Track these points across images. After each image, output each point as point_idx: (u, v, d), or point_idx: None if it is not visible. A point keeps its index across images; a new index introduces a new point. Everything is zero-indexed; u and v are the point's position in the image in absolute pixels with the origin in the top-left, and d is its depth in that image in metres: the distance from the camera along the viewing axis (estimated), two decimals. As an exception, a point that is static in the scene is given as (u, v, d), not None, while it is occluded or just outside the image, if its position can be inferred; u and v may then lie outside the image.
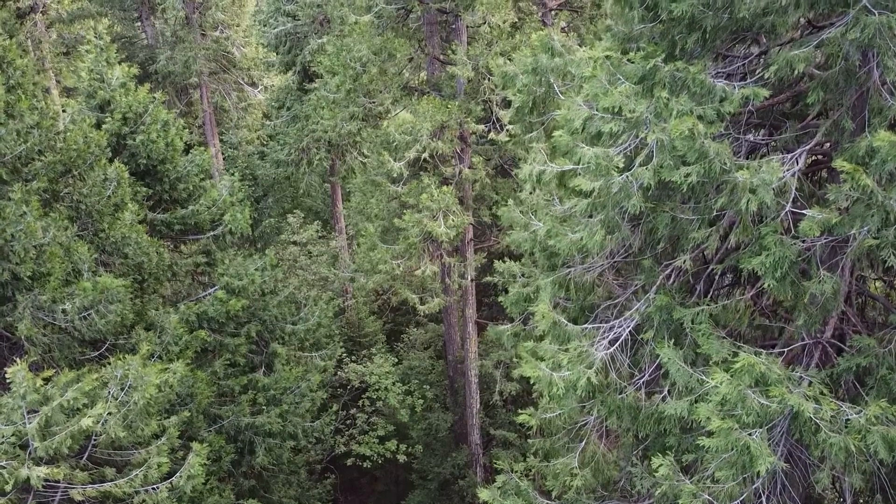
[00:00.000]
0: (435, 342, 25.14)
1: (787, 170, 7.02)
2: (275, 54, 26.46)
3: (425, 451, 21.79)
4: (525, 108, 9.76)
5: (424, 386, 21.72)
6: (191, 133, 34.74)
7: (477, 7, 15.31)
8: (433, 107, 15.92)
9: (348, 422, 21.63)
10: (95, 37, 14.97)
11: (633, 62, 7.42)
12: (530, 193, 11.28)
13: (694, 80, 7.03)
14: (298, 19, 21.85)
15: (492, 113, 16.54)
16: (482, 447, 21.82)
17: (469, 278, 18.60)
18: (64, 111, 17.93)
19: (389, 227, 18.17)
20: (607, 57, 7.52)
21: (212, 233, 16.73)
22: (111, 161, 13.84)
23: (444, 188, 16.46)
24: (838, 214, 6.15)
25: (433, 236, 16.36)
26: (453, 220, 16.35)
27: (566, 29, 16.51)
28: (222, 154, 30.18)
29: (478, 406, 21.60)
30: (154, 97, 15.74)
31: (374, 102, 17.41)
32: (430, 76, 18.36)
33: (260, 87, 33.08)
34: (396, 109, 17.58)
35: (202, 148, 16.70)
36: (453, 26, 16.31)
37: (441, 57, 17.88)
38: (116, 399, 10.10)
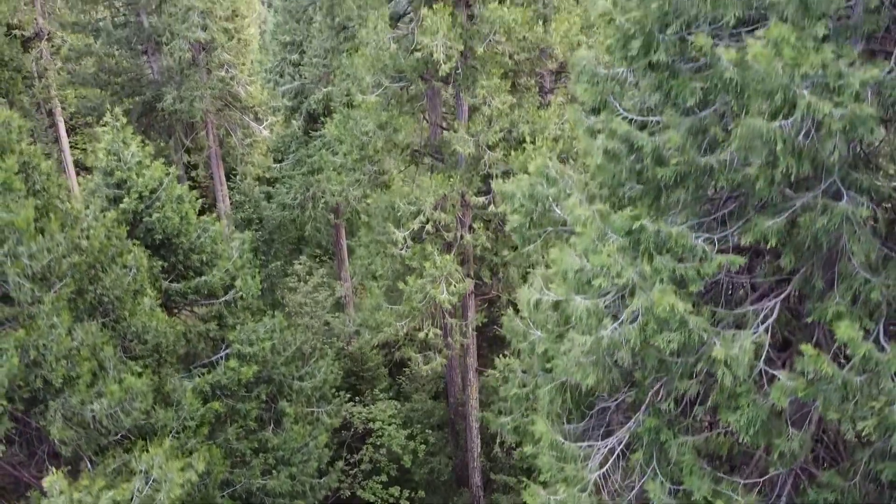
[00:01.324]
0: (437, 382, 25.86)
1: (761, 323, 7.72)
2: (281, 99, 27.14)
3: (427, 493, 22.52)
4: (523, 225, 10.44)
5: (427, 430, 22.43)
6: (196, 169, 35.50)
7: (478, 90, 16.01)
8: (436, 182, 16.62)
9: (352, 464, 22.36)
10: (112, 118, 15.66)
11: (622, 215, 8.12)
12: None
13: (676, 242, 7.73)
14: (305, 77, 22.52)
15: (492, 185, 17.19)
16: (483, 490, 22.54)
17: (470, 333, 19.31)
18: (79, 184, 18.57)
19: (393, 286, 18.86)
20: (598, 212, 8.21)
21: (224, 298, 17.42)
22: (128, 235, 14.60)
23: (447, 256, 17.17)
24: (805, 384, 6.85)
25: (436, 301, 17.06)
26: (455, 287, 17.06)
27: (563, 104, 17.19)
28: (230, 198, 30.86)
29: (478, 450, 22.32)
30: (168, 172, 16.45)
31: (380, 171, 18.12)
32: (432, 138, 19.06)
33: (265, 123, 33.79)
34: (402, 175, 18.25)
35: (213, 216, 17.35)
36: (455, 102, 17.00)
37: (443, 125, 18.58)
38: (142, 493, 10.84)
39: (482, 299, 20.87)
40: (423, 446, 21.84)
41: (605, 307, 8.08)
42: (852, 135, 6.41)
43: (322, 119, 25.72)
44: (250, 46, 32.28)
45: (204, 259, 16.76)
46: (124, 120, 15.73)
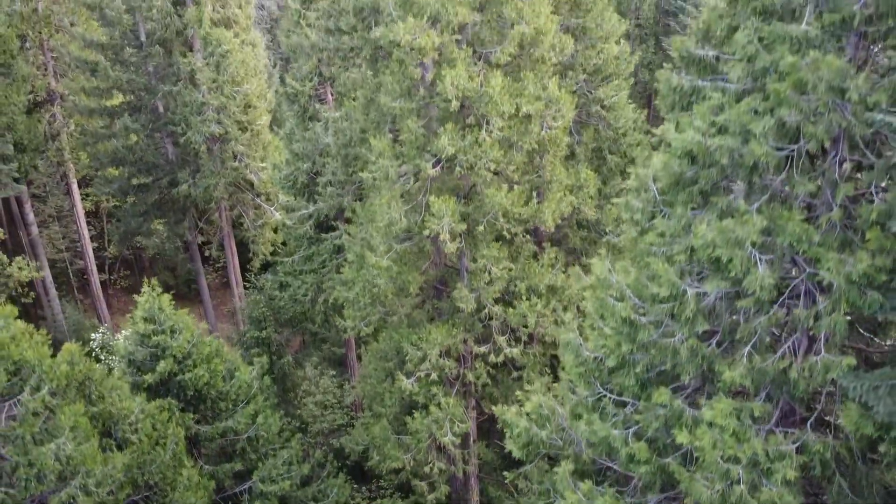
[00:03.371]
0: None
1: None
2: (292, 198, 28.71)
3: None
4: (523, 453, 12.12)
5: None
6: (210, 245, 37.03)
7: (479, 259, 17.69)
8: (441, 333, 18.28)
9: None
10: (149, 287, 17.36)
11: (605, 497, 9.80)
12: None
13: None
14: (318, 201, 24.14)
15: (493, 335, 18.86)
16: None
17: (473, 461, 20.97)
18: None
19: (400, 414, 20.53)
20: (583, 493, 9.89)
21: (247, 434, 19.09)
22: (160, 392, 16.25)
23: (451, 399, 18.84)
24: None
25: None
26: (458, 428, 18.73)
27: (555, 261, 18.87)
28: (244, 286, 32.41)
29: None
30: (199, 333, 18.12)
31: (389, 312, 19.77)
32: (438, 283, 20.74)
33: (276, 205, 35.41)
34: (409, 317, 19.88)
35: (244, 371, 18.93)
36: (458, 260, 18.67)
37: (447, 262, 20.22)
38: None
39: (483, 419, 22.49)
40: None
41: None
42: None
43: (333, 222, 27.39)
44: (262, 137, 33.91)
45: (230, 405, 18.44)
46: (160, 289, 17.40)
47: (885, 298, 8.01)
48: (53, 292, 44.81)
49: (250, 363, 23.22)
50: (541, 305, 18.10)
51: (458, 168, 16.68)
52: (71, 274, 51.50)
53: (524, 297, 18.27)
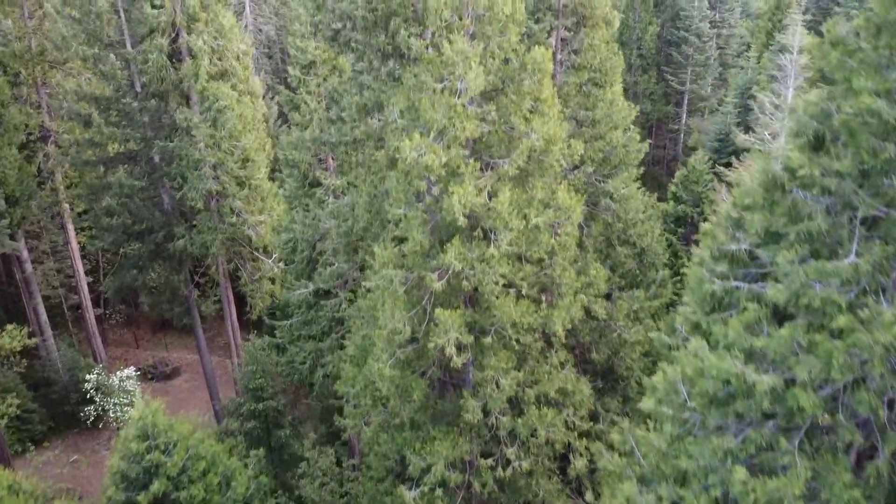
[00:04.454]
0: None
1: None
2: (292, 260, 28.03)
3: None
4: None
5: None
6: (206, 299, 36.20)
7: (486, 368, 17.01)
8: (446, 447, 17.60)
9: None
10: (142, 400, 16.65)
11: None
12: None
13: None
14: (319, 284, 23.48)
15: (500, 444, 18.18)
16: None
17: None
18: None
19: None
20: None
21: (243, 542, 18.38)
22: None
23: (455, 511, 18.15)
24: None
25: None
26: (464, 541, 18.04)
27: (565, 362, 18.22)
28: (242, 346, 31.68)
29: None
30: (196, 436, 17.44)
31: (392, 414, 19.08)
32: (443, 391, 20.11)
33: (274, 257, 34.65)
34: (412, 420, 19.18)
35: (241, 478, 18.25)
36: (464, 368, 17.99)
37: (453, 371, 19.55)
38: None
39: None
40: None
41: None
42: None
43: (333, 289, 26.69)
44: (259, 191, 33.11)
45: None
46: (156, 406, 16.71)
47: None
48: (49, 331, 44.09)
49: (247, 450, 22.52)
50: (552, 415, 17.43)
51: (465, 282, 16.00)
52: (66, 309, 50.80)
53: (533, 405, 17.61)
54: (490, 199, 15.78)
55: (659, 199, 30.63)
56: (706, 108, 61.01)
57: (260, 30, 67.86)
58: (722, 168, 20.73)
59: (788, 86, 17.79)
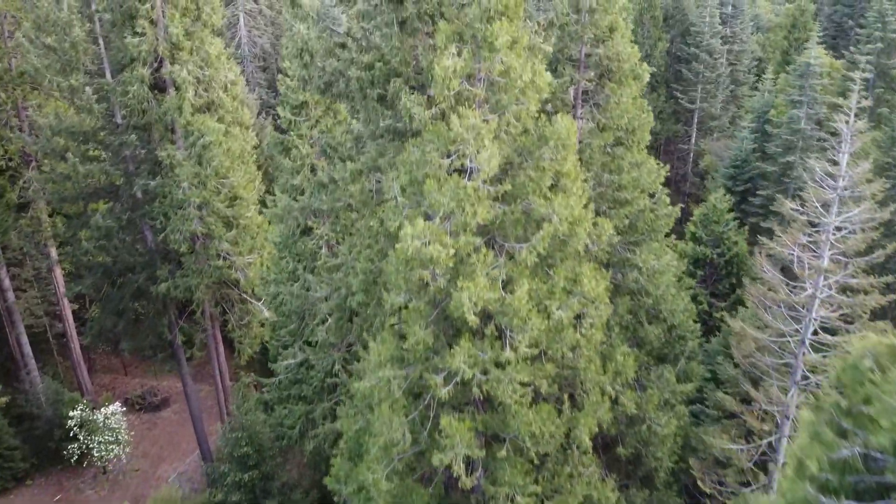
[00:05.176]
0: None
1: None
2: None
3: None
4: None
5: None
6: (192, 346, 33.85)
7: (500, 485, 14.72)
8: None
9: None
10: None
11: None
12: None
13: None
14: (310, 357, 21.22)
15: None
16: None
17: None
18: None
19: None
20: None
21: None
22: None
23: None
24: None
25: None
26: None
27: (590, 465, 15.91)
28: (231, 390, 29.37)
29: None
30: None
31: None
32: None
33: (263, 300, 32.30)
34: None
35: None
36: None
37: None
38: None
39: None
40: None
41: None
42: None
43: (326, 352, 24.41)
44: (249, 230, 30.80)
45: None
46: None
47: None
48: (33, 363, 41.94)
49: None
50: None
51: (475, 389, 13.70)
52: (51, 337, 48.49)
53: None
54: (505, 290, 13.49)
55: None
56: (717, 127, 58.71)
57: (254, 42, 65.56)
58: (764, 239, 18.44)
59: (843, 150, 15.57)
